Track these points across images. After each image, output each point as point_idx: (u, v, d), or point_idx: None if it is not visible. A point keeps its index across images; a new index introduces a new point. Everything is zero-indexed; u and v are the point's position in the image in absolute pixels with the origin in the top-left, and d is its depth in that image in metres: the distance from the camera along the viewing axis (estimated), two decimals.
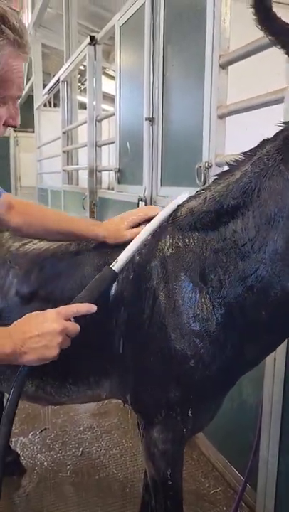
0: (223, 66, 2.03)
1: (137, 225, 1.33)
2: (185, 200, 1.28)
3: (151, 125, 2.76)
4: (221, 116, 2.07)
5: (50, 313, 1.00)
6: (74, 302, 1.05)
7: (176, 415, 1.23)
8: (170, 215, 1.25)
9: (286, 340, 1.65)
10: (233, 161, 1.15)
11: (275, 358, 1.73)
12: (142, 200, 2.81)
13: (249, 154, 1.12)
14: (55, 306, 1.04)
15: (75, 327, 1.00)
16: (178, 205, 1.27)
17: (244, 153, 1.13)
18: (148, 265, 1.23)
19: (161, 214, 1.23)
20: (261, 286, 1.07)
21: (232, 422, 2.16)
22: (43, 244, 1.51)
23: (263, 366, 1.78)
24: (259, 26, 0.90)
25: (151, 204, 2.77)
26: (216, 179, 1.19)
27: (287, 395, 1.71)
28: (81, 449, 2.44)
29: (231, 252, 1.10)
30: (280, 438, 1.76)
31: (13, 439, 2.52)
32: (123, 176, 3.38)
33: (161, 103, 2.65)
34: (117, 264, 1.11)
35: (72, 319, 1.01)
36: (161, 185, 2.73)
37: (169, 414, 1.24)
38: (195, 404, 1.23)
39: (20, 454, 2.38)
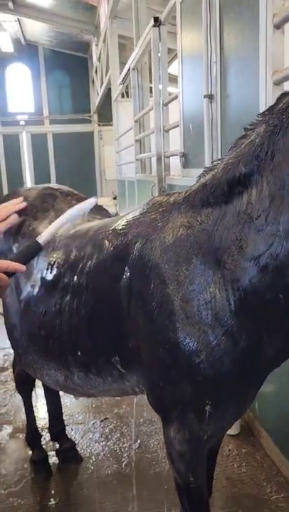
0: (278, 26, 1.81)
1: None
2: (199, 176, 1.14)
3: (210, 102, 2.58)
4: (278, 83, 1.85)
5: None
6: None
7: (191, 413, 1.11)
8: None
9: None
10: (250, 125, 0.99)
11: None
12: None
13: (266, 113, 0.95)
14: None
15: (5, 277, 1.00)
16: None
17: (261, 114, 0.96)
18: (156, 250, 1.12)
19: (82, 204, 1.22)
20: (276, 264, 0.92)
21: None
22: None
23: None
24: None
25: None
26: (232, 147, 1.04)
27: None
28: (138, 442, 2.39)
29: (245, 227, 0.95)
30: None
31: (73, 427, 2.54)
32: (187, 159, 3.23)
33: (220, 78, 2.46)
34: (41, 238, 1.12)
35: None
36: None
37: (184, 411, 1.12)
38: (210, 402, 1.09)
39: (79, 443, 2.39)
